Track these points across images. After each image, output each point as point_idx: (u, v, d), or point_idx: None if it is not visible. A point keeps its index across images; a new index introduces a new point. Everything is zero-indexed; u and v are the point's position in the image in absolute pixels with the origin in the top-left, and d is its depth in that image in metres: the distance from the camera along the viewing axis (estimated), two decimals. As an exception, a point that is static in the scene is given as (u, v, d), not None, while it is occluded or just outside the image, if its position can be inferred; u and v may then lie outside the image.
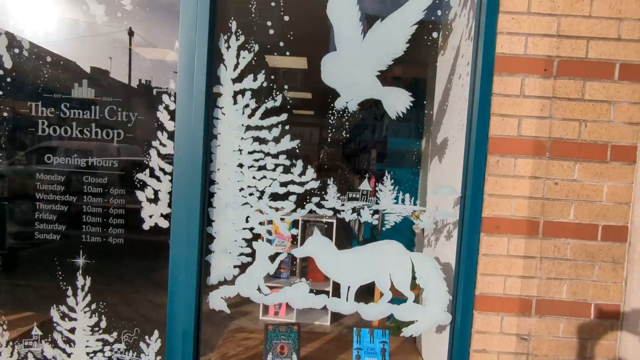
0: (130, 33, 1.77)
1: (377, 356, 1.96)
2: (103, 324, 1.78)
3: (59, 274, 1.77)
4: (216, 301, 1.75)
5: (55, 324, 1.78)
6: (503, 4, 1.61)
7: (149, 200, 1.73)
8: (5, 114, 1.74)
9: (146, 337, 1.79)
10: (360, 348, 1.97)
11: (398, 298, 1.76)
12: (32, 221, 1.75)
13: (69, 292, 1.77)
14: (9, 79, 1.72)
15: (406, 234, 2.07)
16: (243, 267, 1.75)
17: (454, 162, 1.89)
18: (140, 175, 1.72)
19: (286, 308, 3.92)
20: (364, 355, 1.96)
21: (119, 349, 1.79)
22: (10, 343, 1.79)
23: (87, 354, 1.78)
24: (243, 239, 1.73)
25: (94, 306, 1.77)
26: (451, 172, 1.90)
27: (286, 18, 1.67)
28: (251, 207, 1.72)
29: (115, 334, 1.78)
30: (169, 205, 1.72)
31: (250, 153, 1.71)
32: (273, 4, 1.66)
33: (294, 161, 1.71)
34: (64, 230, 1.76)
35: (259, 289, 1.75)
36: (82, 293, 1.77)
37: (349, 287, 1.74)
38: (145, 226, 1.73)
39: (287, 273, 3.88)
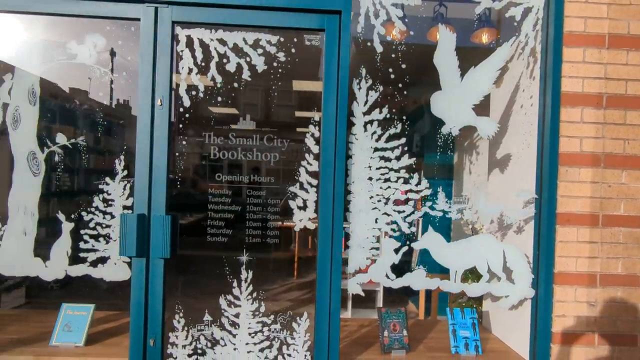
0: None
1: (469, 329, 2.40)
2: (262, 309, 2.16)
3: (227, 269, 2.16)
4: (353, 286, 2.17)
5: (223, 311, 2.15)
6: (565, 56, 2.15)
7: (299, 207, 2.15)
8: (184, 142, 2.15)
9: (297, 317, 2.19)
10: (454, 323, 2.42)
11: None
12: (205, 227, 2.15)
13: (235, 284, 2.15)
14: (187, 115, 2.13)
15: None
16: (373, 259, 2.18)
17: (519, 173, 2.39)
18: (292, 188, 2.15)
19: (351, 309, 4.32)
20: (458, 329, 2.40)
21: (275, 329, 2.17)
22: (185, 328, 2.15)
23: (249, 334, 2.16)
24: (373, 236, 2.17)
25: (255, 294, 2.16)
26: (519, 180, 2.40)
27: (403, 66, 2.17)
28: (379, 210, 2.17)
29: (272, 317, 2.17)
30: (315, 211, 2.15)
31: (377, 169, 2.17)
32: (393, 55, 2.16)
33: (411, 174, 2.18)
34: (230, 233, 2.15)
35: (386, 276, 2.18)
36: (245, 284, 2.16)
37: (456, 271, 2.20)
38: (296, 228, 2.15)
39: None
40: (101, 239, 2.12)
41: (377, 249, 2.17)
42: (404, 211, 2.17)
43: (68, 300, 2.57)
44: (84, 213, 2.11)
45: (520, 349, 2.38)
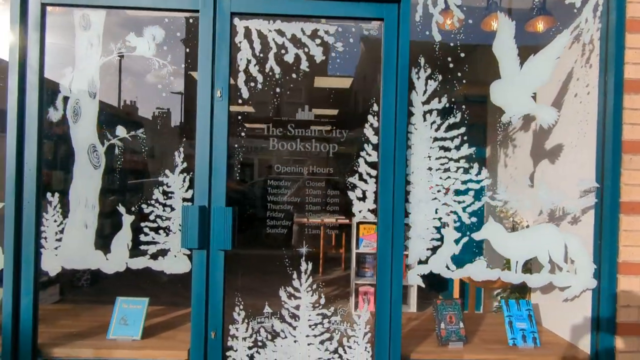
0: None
1: (526, 320, 2.37)
2: (322, 301, 2.14)
3: (286, 261, 2.14)
4: (413, 278, 2.14)
5: (283, 303, 2.13)
6: (628, 42, 2.11)
7: (359, 198, 2.13)
8: (243, 134, 2.13)
9: (357, 309, 2.16)
10: (510, 315, 2.38)
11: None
12: (264, 219, 2.13)
13: (294, 276, 2.13)
14: (245, 106, 2.11)
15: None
16: (434, 250, 2.15)
17: (575, 162, 2.35)
18: (351, 179, 2.12)
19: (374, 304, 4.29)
20: (515, 320, 2.37)
21: (335, 321, 2.15)
22: (246, 320, 2.13)
23: (309, 326, 2.14)
24: (433, 226, 2.13)
25: (314, 286, 2.14)
26: (576, 170, 2.35)
27: (462, 55, 2.14)
28: (439, 201, 2.14)
29: (332, 308, 2.15)
30: (375, 202, 2.12)
31: (437, 159, 2.14)
32: (451, 44, 2.13)
33: (471, 164, 2.15)
34: (289, 225, 2.14)
35: (447, 267, 2.15)
36: (305, 276, 2.13)
37: (517, 262, 2.16)
38: (356, 219, 2.12)
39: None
40: (161, 231, 2.11)
41: (437, 239, 2.14)
42: (463, 201, 2.13)
43: (102, 297, 2.56)
44: (144, 206, 2.09)
45: (577, 340, 2.34)
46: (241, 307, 2.13)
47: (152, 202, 2.10)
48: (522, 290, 3.09)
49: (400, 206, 2.07)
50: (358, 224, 3.71)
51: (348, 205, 2.11)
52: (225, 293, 2.07)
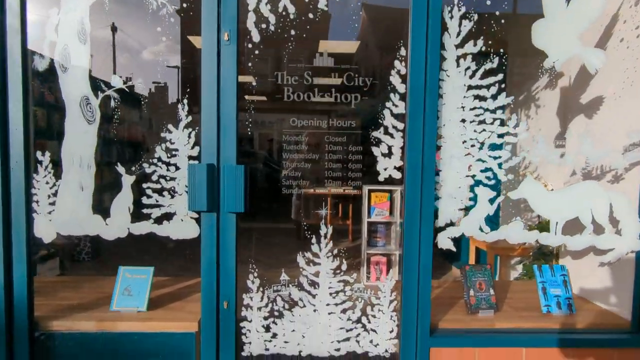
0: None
1: (561, 286, 2.19)
2: (344, 267, 1.96)
3: (304, 224, 1.94)
4: (444, 241, 1.95)
5: (301, 269, 1.94)
6: (691, -28, 1.85)
7: (384, 154, 1.91)
8: (253, 83, 1.89)
9: (382, 275, 1.98)
10: (544, 281, 2.20)
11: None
12: (279, 179, 1.91)
13: (313, 240, 1.93)
14: (257, 52, 1.86)
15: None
16: (466, 210, 1.95)
17: (620, 114, 2.12)
18: (375, 133, 1.90)
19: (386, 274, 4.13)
20: (549, 287, 2.19)
21: (358, 288, 1.97)
22: (261, 289, 1.95)
23: (330, 294, 1.96)
24: (466, 185, 1.93)
25: (335, 251, 1.95)
26: (620, 122, 2.12)
27: (501, -10, 1.87)
28: (473, 157, 1.92)
29: (355, 275, 1.96)
30: (402, 159, 1.90)
31: (471, 109, 1.91)
32: (489, -23, 1.86)
33: (509, 115, 1.92)
34: (307, 184, 1.92)
35: (480, 228, 1.95)
36: (325, 240, 1.94)
37: (557, 223, 1.97)
38: (380, 178, 1.91)
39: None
40: (165, 193, 1.89)
41: (470, 199, 1.93)
42: (499, 157, 1.91)
43: (104, 271, 2.37)
44: (145, 165, 1.87)
45: (614, 306, 2.17)
46: (255, 275, 1.94)
47: (155, 160, 1.88)
48: (546, 257, 2.91)
49: (431, 162, 1.85)
50: (369, 191, 3.50)
51: (371, 165, 1.89)
52: (238, 260, 1.88)
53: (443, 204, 1.92)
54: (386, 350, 1.98)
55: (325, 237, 1.93)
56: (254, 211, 1.99)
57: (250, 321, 1.95)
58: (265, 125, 2.13)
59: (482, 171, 1.92)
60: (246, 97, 1.96)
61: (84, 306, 2.12)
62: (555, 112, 2.89)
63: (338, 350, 1.97)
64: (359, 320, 1.97)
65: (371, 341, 1.98)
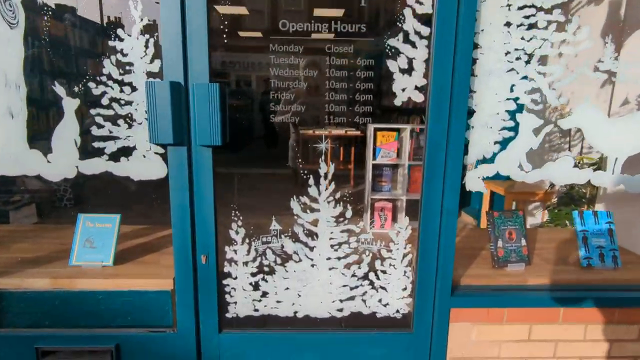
0: None
1: (605, 236, 1.84)
2: (349, 214, 1.58)
3: (299, 161, 1.54)
4: (473, 182, 1.56)
5: (296, 217, 1.57)
6: None
7: (402, 70, 1.46)
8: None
9: (394, 224, 1.62)
10: (586, 230, 1.84)
11: None
12: (267, 103, 1.48)
13: (311, 181, 1.55)
14: None
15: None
16: (504, 143, 1.54)
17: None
18: (392, 41, 1.43)
19: (392, 220, 3.81)
20: (591, 236, 1.84)
21: (366, 239, 1.61)
22: (247, 240, 1.59)
23: (331, 246, 1.60)
24: (506, 110, 1.50)
25: (338, 195, 1.56)
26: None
27: None
28: (517, 73, 1.47)
29: (361, 224, 1.60)
30: (425, 76, 1.46)
31: (520, 8, 1.43)
32: None
33: (569, 16, 1.45)
34: (303, 110, 1.50)
35: (520, 166, 1.55)
36: (325, 182, 1.55)
37: (616, 159, 1.56)
38: (397, 101, 1.48)
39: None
40: (120, 121, 1.47)
41: (510, 129, 1.51)
42: (552, 74, 1.47)
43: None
44: (91, 84, 1.43)
45: (666, 259, 1.83)
46: (239, 223, 1.57)
47: (103, 78, 1.43)
48: (576, 202, 2.54)
49: (464, 80, 1.41)
50: (375, 130, 3.08)
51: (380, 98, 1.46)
52: (218, 205, 1.51)
53: (475, 135, 1.50)
54: (397, 311, 1.66)
55: (326, 177, 1.53)
56: (242, 151, 1.59)
57: (235, 278, 1.61)
58: (262, 66, 1.67)
59: (527, 93, 1.48)
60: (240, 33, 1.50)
61: (41, 260, 1.77)
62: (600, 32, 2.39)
63: (341, 310, 1.65)
64: (365, 277, 1.63)
65: (380, 300, 1.66)
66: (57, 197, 4.30)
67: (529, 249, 1.81)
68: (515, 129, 1.51)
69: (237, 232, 1.57)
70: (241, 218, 1.56)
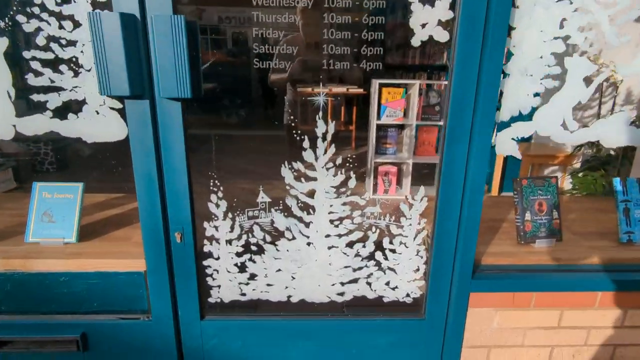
0: None
1: (651, 207, 1.57)
2: (351, 183, 1.31)
3: (290, 119, 1.24)
4: (505, 144, 1.26)
5: (288, 187, 1.29)
6: None
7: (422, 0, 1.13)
8: None
9: (406, 196, 1.34)
10: (628, 200, 1.57)
11: None
12: (249, 50, 1.16)
13: (305, 144, 1.25)
14: None
15: None
16: (546, 95, 1.23)
17: None
18: (410, -41, 1.09)
19: (396, 185, 3.54)
20: (634, 208, 1.57)
21: (372, 213, 1.34)
22: (230, 215, 1.32)
23: (331, 221, 1.34)
24: (552, 53, 1.18)
25: (339, 161, 1.28)
26: None
27: None
28: (571, 3, 1.14)
29: (367, 195, 1.32)
30: (451, 7, 1.13)
31: None
32: None
33: None
34: (294, 54, 1.18)
35: (563, 125, 1.25)
36: (324, 144, 1.26)
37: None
38: (415, 41, 1.16)
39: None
40: (63, 67, 1.16)
41: (556, 77, 1.20)
42: (616, 3, 1.13)
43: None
44: (20, 17, 1.10)
45: None
46: (220, 195, 1.29)
47: (35, 10, 1.10)
48: (605, 166, 2.25)
49: (503, 10, 1.08)
50: (380, 86, 2.74)
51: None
52: (192, 173, 1.22)
53: (511, 85, 1.19)
54: (407, 295, 1.42)
55: (324, 139, 1.23)
56: (222, 109, 1.29)
57: (218, 258, 1.36)
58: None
59: (580, 31, 1.15)
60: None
61: (-6, 235, 1.51)
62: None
63: (342, 294, 1.42)
64: (371, 257, 1.38)
65: (387, 283, 1.41)
66: (38, 160, 4.00)
67: (560, 222, 1.54)
68: (564, 76, 1.20)
69: (217, 205, 1.30)
70: (222, 189, 1.28)
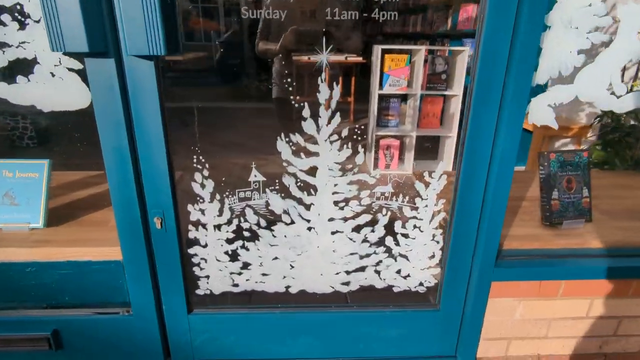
0: None
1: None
2: (359, 159, 1.12)
3: (285, 73, 1.04)
4: (540, 112, 1.07)
5: (285, 164, 1.11)
6: None
7: None
8: None
9: (426, 174, 1.16)
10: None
11: None
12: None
13: (306, 113, 1.06)
14: None
15: None
16: (591, 53, 1.03)
17: None
18: None
19: (398, 160, 3.35)
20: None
21: (383, 194, 1.16)
22: (217, 196, 1.14)
23: (335, 203, 1.16)
24: (602, 1, 0.98)
25: (344, 133, 1.09)
26: None
27: None
28: (631, -64, 0.93)
29: (376, 172, 1.14)
30: (485, -59, 0.91)
31: None
32: None
33: None
34: (293, 31, 0.96)
35: (610, 89, 1.06)
36: (327, 113, 1.06)
37: None
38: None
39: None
40: (6, 17, 0.93)
41: (604, 30, 1.00)
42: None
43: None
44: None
45: None
46: (206, 174, 1.10)
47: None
48: (626, 138, 2.07)
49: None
50: (383, 52, 2.51)
51: None
52: (172, 147, 1.03)
53: (551, 39, 0.99)
54: (421, 284, 1.27)
55: (328, 106, 1.03)
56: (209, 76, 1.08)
57: (205, 246, 1.18)
58: None
59: (639, -30, 0.94)
60: None
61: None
62: None
63: (347, 284, 1.25)
64: (381, 242, 1.20)
65: (399, 271, 1.25)
66: (17, 135, 3.75)
67: (590, 201, 1.38)
68: (608, 31, 1.00)
69: (202, 186, 1.11)
70: (207, 166, 1.09)
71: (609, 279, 1.23)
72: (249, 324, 1.27)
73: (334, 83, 1.01)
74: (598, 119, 2.17)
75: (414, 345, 1.32)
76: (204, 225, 1.16)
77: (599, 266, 1.22)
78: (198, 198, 1.12)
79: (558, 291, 1.24)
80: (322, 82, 1.01)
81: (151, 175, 1.05)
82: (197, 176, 1.10)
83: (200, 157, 1.08)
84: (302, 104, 1.02)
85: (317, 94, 1.02)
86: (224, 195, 1.12)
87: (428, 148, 3.03)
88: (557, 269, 1.21)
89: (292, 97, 1.01)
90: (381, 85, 2.71)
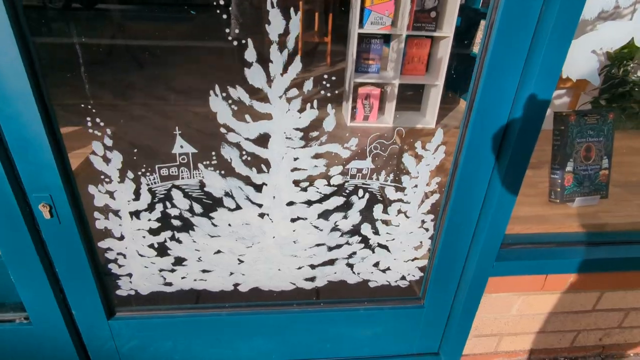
0: None
1: None
2: (330, 122, 0.80)
3: (244, 42, 0.68)
4: (583, 59, 0.77)
5: (224, 130, 0.77)
6: None
7: None
8: None
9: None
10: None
11: None
12: None
13: (250, 55, 0.71)
14: None
15: None
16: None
17: None
18: None
19: (378, 111, 3.02)
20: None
21: (360, 170, 0.86)
22: (130, 174, 0.81)
23: (296, 182, 0.86)
24: None
25: (307, 85, 0.76)
26: None
27: None
28: None
29: (352, 142, 0.83)
30: None
31: None
32: None
33: None
34: None
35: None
36: (283, 56, 0.72)
37: None
38: None
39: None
40: None
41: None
42: None
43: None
44: None
45: None
46: (108, 142, 0.76)
47: None
48: (632, 95, 1.80)
49: None
50: (363, -18, 2.09)
51: None
52: (53, 104, 0.68)
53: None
54: (403, 278, 1.02)
55: (283, 46, 0.69)
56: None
57: (121, 238, 0.87)
58: None
59: None
60: None
61: None
62: None
63: (312, 280, 0.99)
64: (355, 231, 0.93)
65: (377, 264, 0.99)
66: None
67: (609, 174, 1.13)
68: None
69: (106, 160, 0.77)
70: (108, 132, 0.75)
71: (627, 270, 1.02)
72: (190, 327, 1.00)
73: (292, 9, 0.67)
74: (607, 68, 1.88)
75: (391, 344, 1.11)
76: (115, 213, 0.84)
77: (615, 257, 1.00)
78: (102, 177, 0.79)
79: (565, 284, 1.03)
80: (272, 6, 0.66)
81: (22, 144, 0.71)
82: (96, 146, 0.76)
83: (96, 119, 0.73)
84: (243, 41, 0.68)
85: (267, 25, 0.67)
86: (139, 173, 0.79)
87: (409, 97, 2.69)
88: (568, 262, 0.98)
89: (227, 30, 0.67)
90: (362, 23, 2.30)
